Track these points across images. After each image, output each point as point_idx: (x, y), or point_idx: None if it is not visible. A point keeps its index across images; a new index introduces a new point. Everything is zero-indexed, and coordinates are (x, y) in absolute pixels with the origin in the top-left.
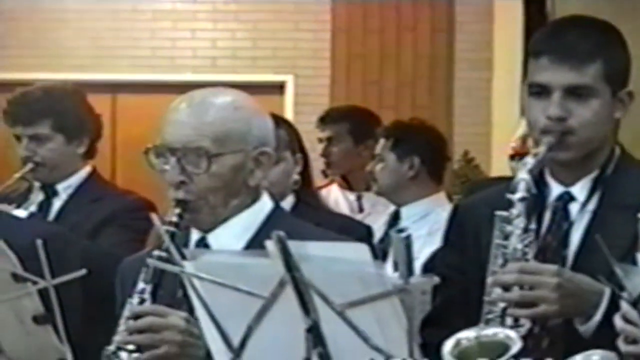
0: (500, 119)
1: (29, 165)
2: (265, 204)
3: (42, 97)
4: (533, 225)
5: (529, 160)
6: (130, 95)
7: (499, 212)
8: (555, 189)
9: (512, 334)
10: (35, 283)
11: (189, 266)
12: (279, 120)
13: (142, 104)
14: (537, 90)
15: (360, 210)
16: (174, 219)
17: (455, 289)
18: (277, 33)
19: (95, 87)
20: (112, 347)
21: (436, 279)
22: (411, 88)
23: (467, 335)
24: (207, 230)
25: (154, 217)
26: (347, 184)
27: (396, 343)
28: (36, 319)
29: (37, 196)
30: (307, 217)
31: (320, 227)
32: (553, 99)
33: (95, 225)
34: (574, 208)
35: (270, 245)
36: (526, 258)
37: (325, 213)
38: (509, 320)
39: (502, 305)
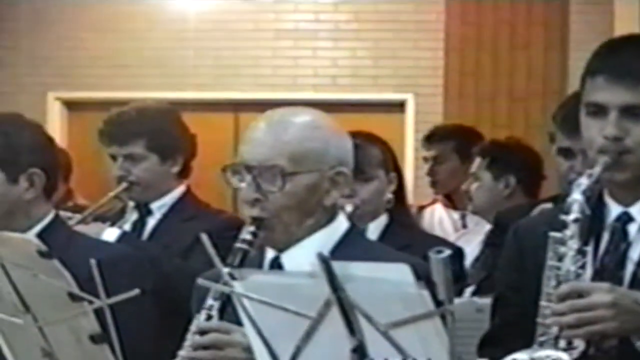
0: None
1: (124, 185)
2: (340, 224)
3: (136, 117)
4: (589, 247)
5: (583, 181)
6: (253, 114)
7: (552, 233)
8: (614, 209)
9: (564, 356)
10: (91, 302)
11: (238, 286)
12: (373, 139)
13: None
14: (594, 110)
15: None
16: (247, 236)
17: (513, 308)
18: (398, 51)
19: (218, 106)
20: None
21: (477, 301)
22: (524, 106)
23: (519, 357)
24: (281, 249)
25: (203, 237)
26: (451, 203)
27: None
28: (93, 338)
29: (132, 215)
30: (399, 236)
31: (409, 248)
32: (609, 118)
33: (187, 244)
34: (632, 228)
35: (315, 265)
36: (580, 279)
37: (418, 233)
38: (562, 342)
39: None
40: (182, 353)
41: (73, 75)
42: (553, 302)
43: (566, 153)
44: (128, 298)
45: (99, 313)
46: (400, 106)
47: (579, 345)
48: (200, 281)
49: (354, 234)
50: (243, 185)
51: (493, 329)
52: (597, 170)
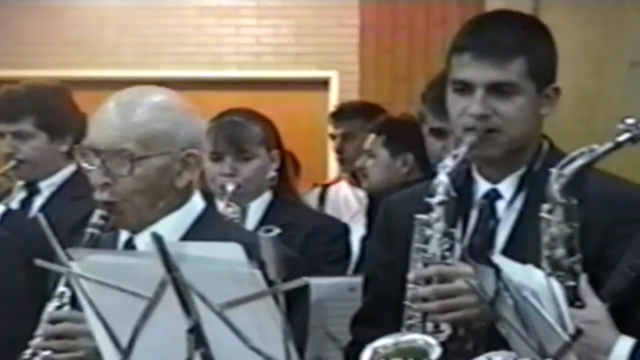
0: None
1: (12, 163)
2: (195, 205)
3: (26, 94)
4: (458, 226)
5: (448, 163)
6: (176, 92)
7: (418, 216)
8: (483, 185)
9: (431, 340)
10: None
11: (75, 266)
12: (255, 117)
13: (188, 100)
14: (460, 87)
15: None
16: (98, 220)
17: (384, 287)
18: (321, 29)
19: (140, 84)
20: (28, 352)
21: (349, 280)
22: None
23: (384, 342)
24: (135, 231)
25: (40, 217)
26: (357, 181)
27: (274, 343)
28: None
29: (19, 193)
30: (282, 213)
31: (293, 225)
32: (475, 96)
33: (73, 223)
34: (501, 206)
35: (150, 244)
36: (446, 262)
37: (301, 210)
38: (429, 326)
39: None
40: (34, 342)
41: None
42: (419, 285)
43: (438, 133)
44: None
45: None
46: (324, 84)
47: (446, 329)
48: (38, 262)
49: (209, 214)
50: (92, 168)
51: (364, 307)
52: (462, 150)
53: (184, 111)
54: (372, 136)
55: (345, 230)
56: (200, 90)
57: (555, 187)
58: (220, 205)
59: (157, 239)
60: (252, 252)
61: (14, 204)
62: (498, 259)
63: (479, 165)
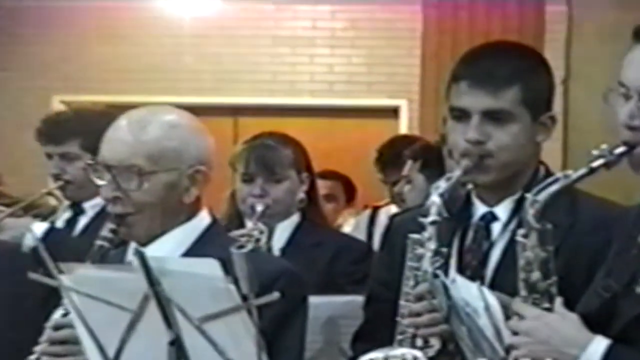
0: None
1: (58, 183)
2: (201, 221)
3: (72, 117)
4: (454, 246)
5: (441, 184)
6: (251, 118)
7: (411, 235)
8: (480, 208)
9: (418, 354)
10: None
11: (65, 279)
12: (287, 140)
13: (263, 127)
14: (457, 114)
15: None
16: (107, 234)
17: (383, 304)
18: (392, 59)
19: (218, 110)
20: (33, 357)
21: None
22: None
23: (375, 356)
24: (143, 244)
25: (35, 227)
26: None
27: (249, 355)
28: None
29: (65, 212)
30: (310, 234)
31: (320, 245)
32: (471, 122)
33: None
34: (496, 227)
35: (134, 259)
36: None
37: (328, 231)
38: (419, 341)
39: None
40: (38, 348)
41: (76, 79)
42: (411, 301)
43: None
44: None
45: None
46: (394, 112)
47: (435, 344)
48: (31, 275)
49: (215, 230)
50: (103, 183)
51: (364, 324)
52: (457, 173)
53: (192, 129)
54: (409, 162)
55: (369, 251)
56: (274, 117)
57: (530, 212)
58: (249, 225)
59: (139, 254)
60: (229, 268)
61: (60, 223)
62: (458, 278)
63: (477, 190)
